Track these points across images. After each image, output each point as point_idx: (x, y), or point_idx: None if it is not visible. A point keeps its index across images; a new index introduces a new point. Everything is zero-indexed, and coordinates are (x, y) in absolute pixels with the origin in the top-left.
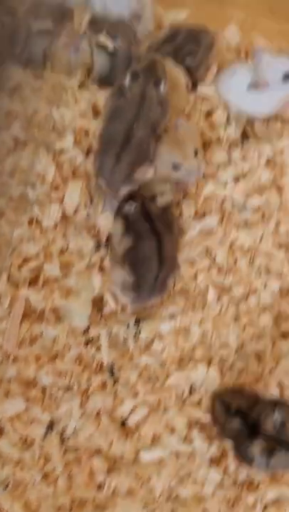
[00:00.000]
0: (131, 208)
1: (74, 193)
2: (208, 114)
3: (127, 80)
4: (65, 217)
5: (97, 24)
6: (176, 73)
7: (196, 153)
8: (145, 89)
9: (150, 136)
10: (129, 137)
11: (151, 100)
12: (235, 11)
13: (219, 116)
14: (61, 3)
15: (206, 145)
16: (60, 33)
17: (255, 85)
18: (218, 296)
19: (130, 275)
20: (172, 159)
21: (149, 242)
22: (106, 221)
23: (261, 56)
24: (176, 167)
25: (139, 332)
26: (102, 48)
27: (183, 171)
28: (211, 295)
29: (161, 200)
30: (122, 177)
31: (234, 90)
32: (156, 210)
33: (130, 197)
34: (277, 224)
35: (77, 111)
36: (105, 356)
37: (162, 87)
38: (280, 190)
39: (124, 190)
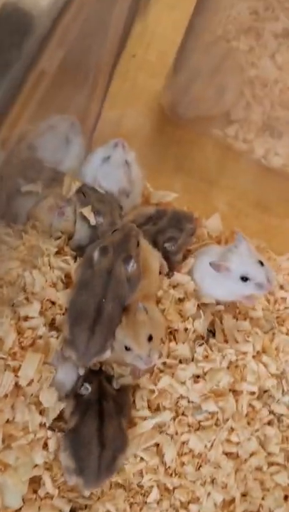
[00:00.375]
0: (86, 391)
1: (31, 366)
2: (180, 301)
3: (96, 254)
4: (17, 388)
5: (84, 194)
6: (151, 257)
7: (149, 339)
8: (114, 265)
9: (120, 311)
10: (100, 311)
11: (119, 276)
12: (222, 201)
13: (190, 306)
14: (54, 165)
15: (172, 334)
16: (47, 195)
17: (216, 266)
18: (160, 498)
19: (71, 460)
20: (125, 342)
21: (90, 424)
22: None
23: (241, 242)
24: (127, 350)
25: None
26: (85, 219)
27: (133, 356)
28: (153, 495)
29: (119, 382)
30: (97, 350)
31: (200, 268)
32: (112, 391)
33: (87, 378)
34: (230, 432)
35: (49, 278)
36: None
37: (131, 265)
38: (237, 395)
39: (94, 361)
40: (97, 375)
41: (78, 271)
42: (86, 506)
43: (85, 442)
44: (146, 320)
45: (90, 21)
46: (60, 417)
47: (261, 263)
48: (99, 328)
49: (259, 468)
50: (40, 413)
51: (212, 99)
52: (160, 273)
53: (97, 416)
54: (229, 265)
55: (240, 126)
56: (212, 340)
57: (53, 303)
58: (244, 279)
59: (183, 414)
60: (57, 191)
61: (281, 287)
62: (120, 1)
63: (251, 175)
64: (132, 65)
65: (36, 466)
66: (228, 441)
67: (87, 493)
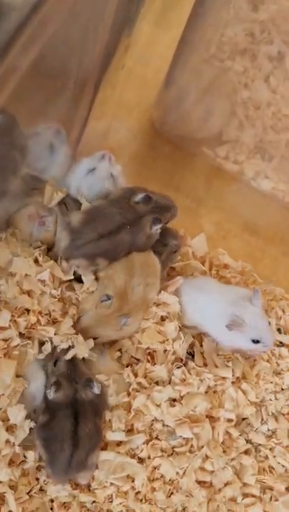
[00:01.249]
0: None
1: (7, 373)
2: (162, 320)
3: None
4: None
5: (66, 206)
6: None
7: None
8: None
9: None
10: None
11: None
12: (209, 221)
13: (171, 328)
14: (37, 173)
15: (150, 355)
16: (28, 203)
17: (232, 324)
18: None
19: (43, 450)
20: None
21: (63, 424)
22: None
23: (258, 299)
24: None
25: None
26: (66, 231)
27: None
28: None
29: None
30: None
31: (193, 301)
32: (90, 395)
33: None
34: (204, 460)
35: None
36: None
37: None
38: (214, 422)
39: None
40: (71, 381)
41: None
42: None
43: (58, 439)
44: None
45: (70, 24)
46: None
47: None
48: None
49: (233, 500)
50: (7, 430)
51: (200, 119)
52: None
53: (72, 417)
54: (244, 328)
55: (231, 147)
56: (191, 364)
57: (28, 310)
58: (255, 341)
59: (156, 438)
60: (38, 200)
61: (265, 312)
62: (107, 5)
63: (240, 196)
64: (121, 78)
65: (0, 483)
66: (202, 469)
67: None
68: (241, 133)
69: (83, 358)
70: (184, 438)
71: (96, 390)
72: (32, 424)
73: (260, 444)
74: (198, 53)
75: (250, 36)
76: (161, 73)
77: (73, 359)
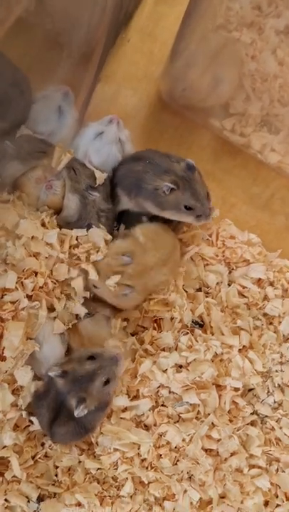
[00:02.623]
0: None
1: (15, 335)
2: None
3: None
4: None
5: (75, 170)
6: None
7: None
8: None
9: None
10: None
11: None
12: (215, 193)
13: (177, 296)
14: (45, 137)
15: (157, 322)
16: (35, 167)
17: None
18: (134, 492)
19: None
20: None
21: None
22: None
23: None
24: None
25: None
26: (76, 194)
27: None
28: (127, 489)
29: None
30: None
31: None
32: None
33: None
34: (211, 428)
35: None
36: None
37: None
38: (220, 390)
39: None
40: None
41: None
42: (55, 494)
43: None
44: None
45: None
46: None
47: None
48: None
49: (239, 470)
50: (13, 392)
51: (208, 89)
52: None
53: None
54: None
55: (238, 119)
56: (197, 331)
57: (36, 273)
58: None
59: (163, 404)
60: (45, 163)
61: (271, 284)
62: None
63: (246, 169)
64: (127, 52)
65: (5, 447)
66: (209, 437)
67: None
68: (248, 105)
69: None
70: (190, 404)
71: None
72: (39, 384)
73: (266, 416)
74: (205, 24)
75: (257, 9)
76: (167, 48)
77: None
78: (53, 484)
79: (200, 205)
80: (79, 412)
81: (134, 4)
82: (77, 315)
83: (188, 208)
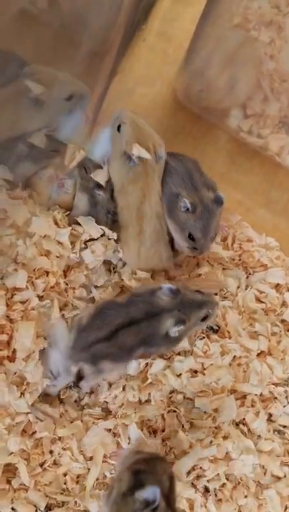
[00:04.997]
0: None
1: (26, 335)
2: None
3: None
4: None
5: (86, 169)
6: None
7: None
8: None
9: None
10: None
11: None
12: (230, 196)
13: None
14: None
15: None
16: (47, 165)
17: None
18: None
19: None
20: None
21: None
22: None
23: None
24: None
25: None
26: (85, 194)
27: None
28: None
29: None
30: None
31: None
32: None
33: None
34: (225, 437)
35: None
36: None
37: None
38: (239, 397)
39: None
40: None
41: None
42: (63, 504)
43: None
44: None
45: None
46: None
47: None
48: None
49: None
50: (22, 395)
51: (224, 89)
52: None
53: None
54: None
55: (255, 120)
56: (214, 336)
57: (47, 272)
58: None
59: (176, 408)
60: (57, 162)
61: None
62: None
63: (263, 172)
64: (142, 53)
65: (12, 453)
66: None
67: None
68: (266, 106)
69: None
70: (203, 412)
71: None
72: (47, 382)
73: (285, 426)
74: (223, 23)
75: (276, 8)
76: (182, 48)
77: None
78: (61, 493)
79: (203, 241)
80: (174, 331)
81: (150, 4)
82: None
83: (190, 237)
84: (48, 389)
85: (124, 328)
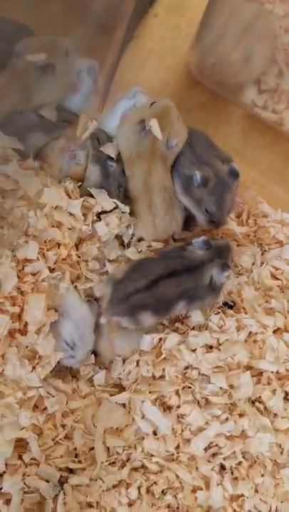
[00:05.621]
0: None
1: (37, 307)
2: None
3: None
4: (10, 336)
5: (99, 140)
6: None
7: None
8: None
9: None
10: None
11: None
12: (245, 173)
13: None
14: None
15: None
16: (58, 136)
17: None
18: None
19: None
20: None
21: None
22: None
23: None
24: None
25: (63, 495)
26: (97, 165)
27: None
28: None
29: None
30: None
31: None
32: None
33: None
34: (241, 415)
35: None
36: None
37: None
38: (255, 374)
39: None
40: None
41: None
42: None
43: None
44: None
45: None
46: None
47: None
48: None
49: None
50: (33, 369)
51: (238, 63)
52: None
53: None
54: None
55: (270, 95)
56: (229, 311)
57: (58, 244)
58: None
59: (190, 385)
60: (69, 133)
61: None
62: None
63: (278, 149)
64: (154, 28)
65: (23, 428)
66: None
67: None
68: (281, 81)
69: None
70: (218, 389)
71: None
72: (60, 355)
73: None
74: None
75: None
76: (195, 22)
77: None
78: (73, 464)
79: (219, 214)
80: (223, 277)
81: None
82: None
83: (206, 210)
84: (66, 362)
85: (165, 278)
